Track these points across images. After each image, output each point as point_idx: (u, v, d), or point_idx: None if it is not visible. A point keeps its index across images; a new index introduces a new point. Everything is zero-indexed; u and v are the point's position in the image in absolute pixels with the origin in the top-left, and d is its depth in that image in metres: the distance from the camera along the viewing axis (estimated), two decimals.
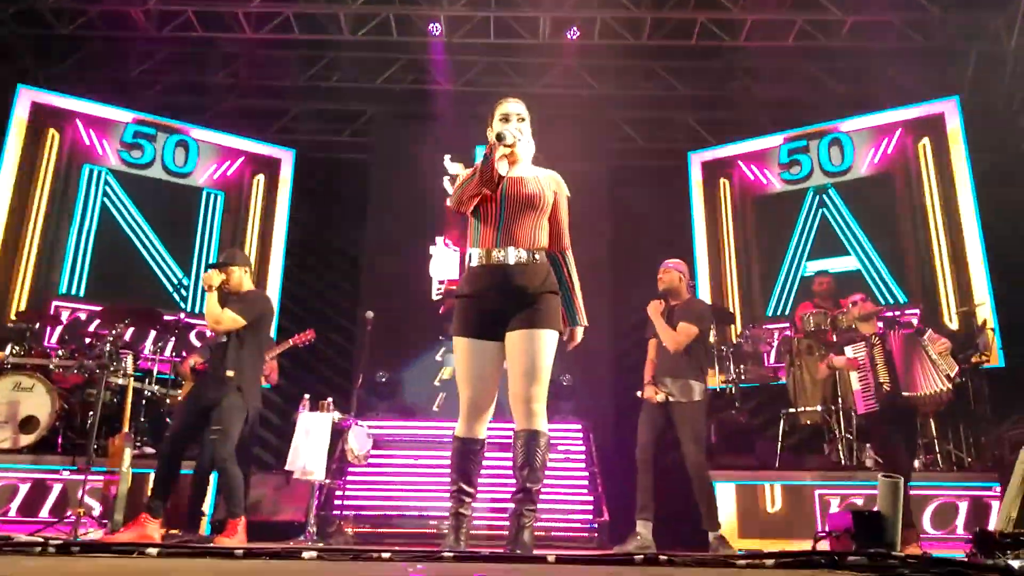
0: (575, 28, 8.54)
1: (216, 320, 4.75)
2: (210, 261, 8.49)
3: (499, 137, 3.09)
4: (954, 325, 7.35)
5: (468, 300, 3.19)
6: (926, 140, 8.08)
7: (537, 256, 3.17)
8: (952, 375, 5.10)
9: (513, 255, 3.13)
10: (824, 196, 8.47)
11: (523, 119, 3.30)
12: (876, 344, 5.21)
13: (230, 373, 4.69)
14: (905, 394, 5.05)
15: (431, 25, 8.57)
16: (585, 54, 8.97)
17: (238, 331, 4.78)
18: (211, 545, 4.14)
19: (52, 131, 8.19)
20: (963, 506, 5.47)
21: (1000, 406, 6.50)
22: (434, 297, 8.66)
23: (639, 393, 5.13)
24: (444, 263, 8.85)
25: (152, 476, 4.76)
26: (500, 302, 3.11)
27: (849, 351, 5.36)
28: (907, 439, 5.12)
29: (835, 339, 5.96)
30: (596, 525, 6.04)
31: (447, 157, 8.81)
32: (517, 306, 3.10)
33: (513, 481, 3.12)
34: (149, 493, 4.75)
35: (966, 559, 3.35)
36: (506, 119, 3.27)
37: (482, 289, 3.15)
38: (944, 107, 8.03)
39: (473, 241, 3.25)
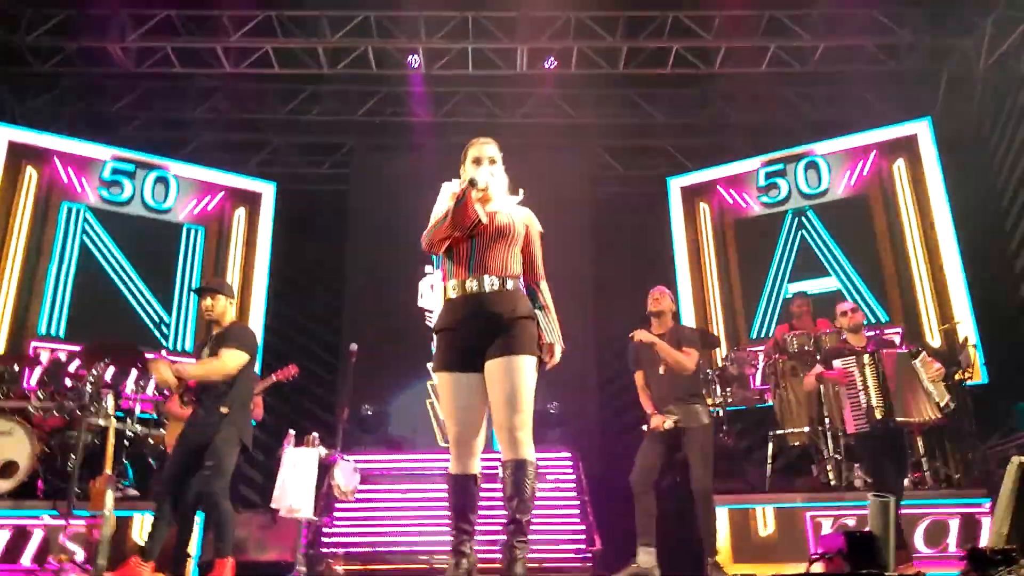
0: (552, 58, 8.65)
1: (224, 372, 4.59)
2: (191, 296, 8.42)
3: (471, 182, 3.12)
4: (936, 343, 7.42)
5: (446, 334, 3.20)
6: (900, 161, 8.22)
7: (510, 283, 3.19)
8: (943, 404, 5.04)
9: (487, 283, 3.15)
10: (803, 218, 8.57)
11: (495, 162, 3.34)
12: (869, 364, 5.13)
13: (224, 409, 4.59)
14: (898, 419, 4.99)
15: (410, 57, 8.64)
16: (562, 84, 9.07)
17: None
18: None
19: (30, 169, 8.14)
20: (954, 523, 5.47)
21: (984, 422, 6.54)
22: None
23: (645, 427, 5.08)
24: (438, 291, 8.55)
25: (152, 519, 4.59)
26: (476, 332, 3.11)
27: (838, 364, 5.28)
28: (898, 461, 5.09)
29: (820, 357, 5.94)
30: (589, 554, 5.97)
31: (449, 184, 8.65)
32: (493, 334, 3.10)
33: (503, 512, 3.09)
34: (146, 537, 4.59)
35: None
36: (478, 162, 3.31)
37: (458, 320, 3.16)
38: (917, 128, 8.18)
39: (448, 275, 3.27)
